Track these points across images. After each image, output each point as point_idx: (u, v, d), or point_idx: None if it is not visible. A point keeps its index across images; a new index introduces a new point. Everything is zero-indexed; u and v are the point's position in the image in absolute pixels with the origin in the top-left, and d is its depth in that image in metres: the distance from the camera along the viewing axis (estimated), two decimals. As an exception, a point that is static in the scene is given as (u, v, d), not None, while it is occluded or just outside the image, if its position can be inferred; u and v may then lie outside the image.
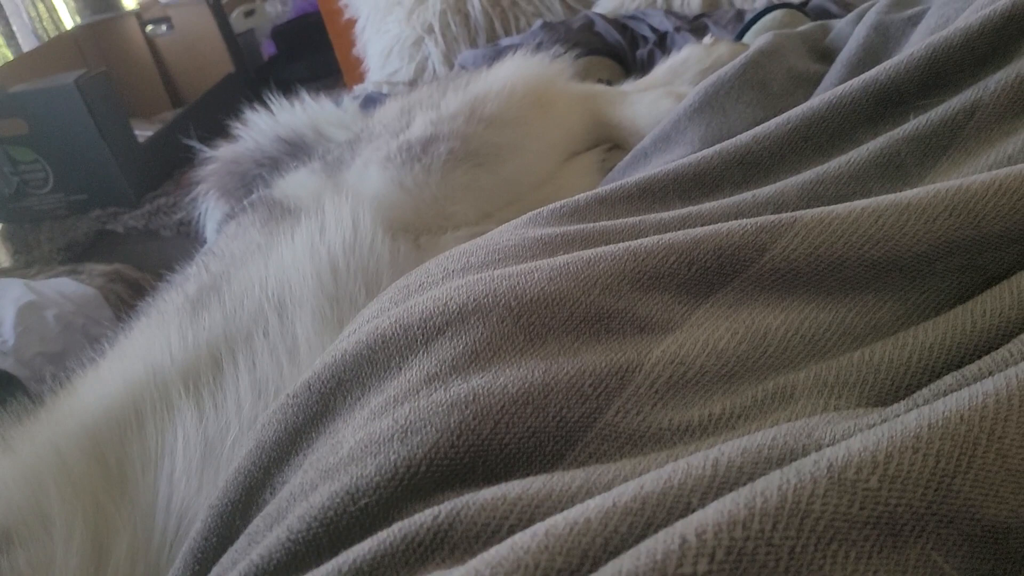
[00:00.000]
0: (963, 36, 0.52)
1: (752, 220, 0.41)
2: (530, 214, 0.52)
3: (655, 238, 0.41)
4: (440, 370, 0.37)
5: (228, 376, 0.54)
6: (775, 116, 0.57)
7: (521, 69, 0.81)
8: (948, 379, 0.34)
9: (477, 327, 0.38)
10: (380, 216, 0.65)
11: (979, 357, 0.36)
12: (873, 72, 0.54)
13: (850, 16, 0.76)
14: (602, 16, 1.21)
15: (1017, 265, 0.41)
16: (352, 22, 1.68)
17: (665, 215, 0.47)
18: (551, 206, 0.52)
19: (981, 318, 0.38)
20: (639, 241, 0.42)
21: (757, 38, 0.73)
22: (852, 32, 0.70)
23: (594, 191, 0.53)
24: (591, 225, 0.48)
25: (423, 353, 0.38)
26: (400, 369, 0.38)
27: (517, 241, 0.47)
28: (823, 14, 1.03)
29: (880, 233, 0.40)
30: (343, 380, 0.40)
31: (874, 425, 0.30)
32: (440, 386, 0.36)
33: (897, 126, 0.51)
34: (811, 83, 0.68)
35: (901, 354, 0.37)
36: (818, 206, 0.45)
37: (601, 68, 1.09)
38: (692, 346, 0.37)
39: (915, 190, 0.42)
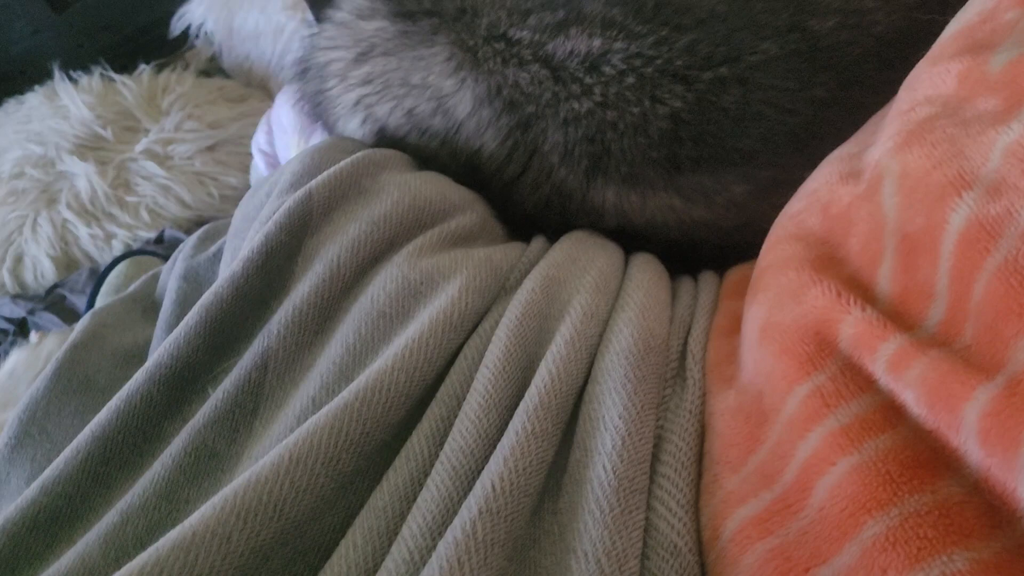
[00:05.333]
0: (231, 286, 0.49)
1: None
2: None
3: None
4: None
5: None
6: None
7: None
8: None
9: None
10: None
11: None
12: (155, 356, 0.47)
13: (169, 262, 0.70)
14: (-57, 326, 1.02)
15: (337, 531, 0.37)
16: None
17: None
18: None
19: None
20: None
21: (75, 327, 0.64)
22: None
23: None
24: None
25: None
26: None
27: None
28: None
29: (168, 596, 0.33)
30: None
31: None
32: None
33: (202, 408, 0.45)
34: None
35: None
36: (135, 556, 0.36)
37: (-43, 388, 0.91)
38: None
39: (204, 509, 0.35)
